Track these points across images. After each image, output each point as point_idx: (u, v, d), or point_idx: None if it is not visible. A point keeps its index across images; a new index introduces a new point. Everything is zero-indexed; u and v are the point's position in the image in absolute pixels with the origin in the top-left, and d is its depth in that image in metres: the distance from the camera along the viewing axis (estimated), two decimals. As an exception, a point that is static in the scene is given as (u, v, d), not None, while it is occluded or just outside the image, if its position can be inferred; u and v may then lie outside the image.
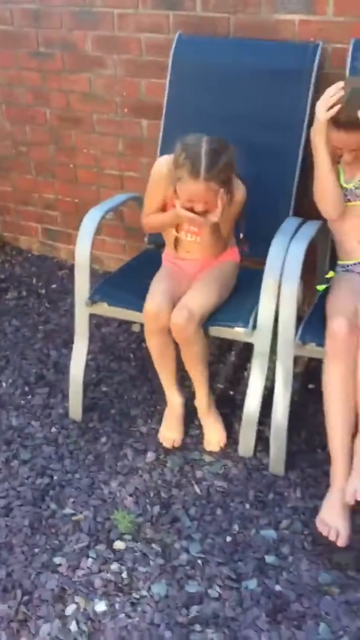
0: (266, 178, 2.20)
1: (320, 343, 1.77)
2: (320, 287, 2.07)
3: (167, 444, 2.03)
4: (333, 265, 2.11)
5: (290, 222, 2.03)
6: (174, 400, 2.06)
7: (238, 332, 1.89)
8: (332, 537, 1.61)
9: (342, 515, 1.63)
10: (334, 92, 1.77)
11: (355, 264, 1.95)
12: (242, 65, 2.25)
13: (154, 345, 1.96)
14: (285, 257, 1.82)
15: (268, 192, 2.20)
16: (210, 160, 1.75)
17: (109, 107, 2.69)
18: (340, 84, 1.77)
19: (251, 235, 2.08)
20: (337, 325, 1.69)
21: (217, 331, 1.92)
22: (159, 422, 2.12)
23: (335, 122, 1.77)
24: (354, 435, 1.70)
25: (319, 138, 1.83)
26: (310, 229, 1.96)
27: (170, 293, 1.90)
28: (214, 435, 2.02)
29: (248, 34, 2.30)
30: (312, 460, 1.96)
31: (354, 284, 1.88)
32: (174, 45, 2.34)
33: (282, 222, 2.14)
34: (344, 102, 1.74)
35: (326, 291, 1.98)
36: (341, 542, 1.61)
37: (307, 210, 2.20)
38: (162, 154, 2.30)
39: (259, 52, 2.25)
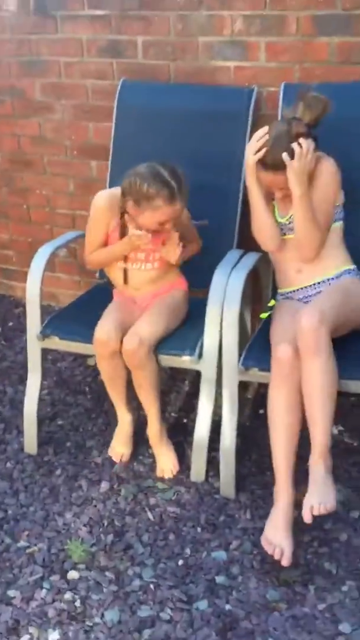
0: (211, 214, 2.30)
1: (263, 368, 1.85)
2: (263, 315, 2.17)
3: (116, 458, 2.12)
4: (275, 294, 2.21)
5: (232, 254, 2.14)
6: (124, 417, 2.13)
7: (185, 360, 1.96)
8: (276, 556, 1.66)
9: (286, 533, 1.69)
10: (260, 136, 1.90)
11: (294, 291, 2.05)
12: (183, 108, 2.38)
13: (105, 369, 2.03)
14: (226, 287, 1.91)
15: (213, 227, 2.31)
16: (178, 182, 1.89)
17: (59, 149, 2.79)
18: (266, 128, 1.90)
19: (197, 266, 2.17)
20: (281, 351, 1.77)
21: (166, 360, 1.99)
22: (114, 452, 2.17)
23: (263, 164, 1.89)
24: (297, 456, 1.77)
25: (250, 179, 1.95)
26: (249, 259, 2.07)
27: (120, 321, 1.97)
28: (165, 462, 2.07)
29: (187, 79, 2.43)
30: (261, 482, 2.02)
31: (295, 308, 1.97)
32: (118, 91, 2.46)
33: (225, 253, 2.27)
34: (269, 145, 1.86)
35: (269, 319, 2.08)
36: (285, 561, 1.66)
37: (249, 243, 2.32)
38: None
39: (199, 96, 2.39)
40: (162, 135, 2.38)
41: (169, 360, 1.99)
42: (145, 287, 2.11)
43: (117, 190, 2.01)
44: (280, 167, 1.85)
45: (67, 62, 2.61)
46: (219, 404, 1.98)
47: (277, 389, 1.77)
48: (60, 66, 2.63)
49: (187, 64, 2.42)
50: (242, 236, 2.33)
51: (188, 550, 1.79)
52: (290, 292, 2.06)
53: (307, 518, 1.65)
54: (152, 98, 2.44)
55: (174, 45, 2.41)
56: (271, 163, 1.87)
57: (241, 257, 2.11)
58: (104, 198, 2.06)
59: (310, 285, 2.00)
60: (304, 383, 1.75)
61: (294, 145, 1.84)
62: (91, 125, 2.68)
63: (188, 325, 2.08)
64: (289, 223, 1.98)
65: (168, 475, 2.06)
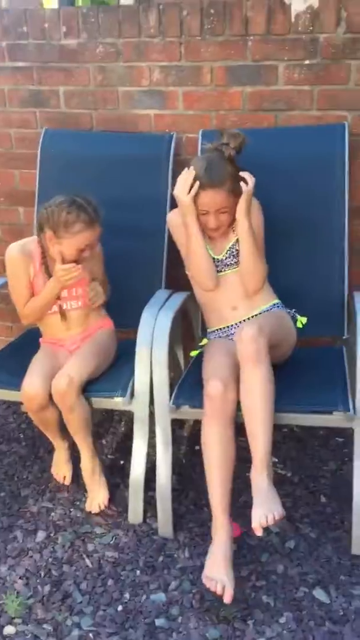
0: (137, 254, 2.37)
1: (194, 405, 1.88)
2: (194, 353, 2.21)
3: (59, 478, 2.21)
4: (205, 332, 2.27)
5: (160, 294, 2.19)
6: (60, 445, 2.18)
7: (117, 402, 1.97)
8: (219, 591, 1.67)
9: (226, 569, 1.70)
10: (185, 177, 1.97)
11: (229, 326, 2.10)
12: (106, 154, 2.44)
13: (37, 419, 2.03)
14: (154, 327, 1.95)
15: (140, 268, 2.37)
16: (93, 206, 2.00)
17: (-15, 196, 2.79)
18: (186, 169, 1.99)
19: (127, 307, 2.20)
20: (212, 387, 1.81)
21: (98, 402, 2.00)
22: (50, 499, 2.14)
23: (201, 186, 1.95)
24: (231, 491, 1.79)
25: (190, 217, 2.00)
26: (177, 299, 2.11)
27: (46, 372, 1.97)
28: (95, 497, 2.08)
29: (109, 127, 2.51)
30: (199, 519, 2.03)
31: (226, 346, 2.02)
32: (41, 139, 2.50)
33: (153, 293, 2.31)
34: (202, 171, 1.94)
35: (200, 356, 2.12)
36: (227, 597, 1.66)
37: (177, 281, 2.38)
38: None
39: (120, 143, 2.46)
40: (86, 180, 2.43)
41: (100, 402, 2.00)
42: (75, 328, 2.13)
43: (27, 239, 2.11)
44: (219, 183, 1.94)
45: (-10, 111, 2.64)
46: (154, 443, 1.99)
47: (210, 424, 1.81)
48: (-17, 116, 2.66)
49: (108, 112, 2.50)
50: (169, 276, 2.39)
51: (127, 595, 1.77)
52: (225, 328, 2.11)
53: (258, 532, 1.64)
54: (75, 145, 2.49)
55: (95, 94, 2.48)
56: (209, 180, 1.94)
57: (169, 296, 2.16)
58: (16, 248, 2.10)
59: (246, 320, 2.06)
60: (243, 394, 1.79)
61: (245, 174, 1.95)
62: (17, 173, 2.70)
63: (118, 365, 2.10)
64: (226, 259, 2.06)
65: (95, 509, 2.06)
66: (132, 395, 1.97)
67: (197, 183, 1.95)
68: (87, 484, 2.11)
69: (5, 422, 2.58)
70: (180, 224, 2.07)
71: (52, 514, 2.09)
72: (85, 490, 2.12)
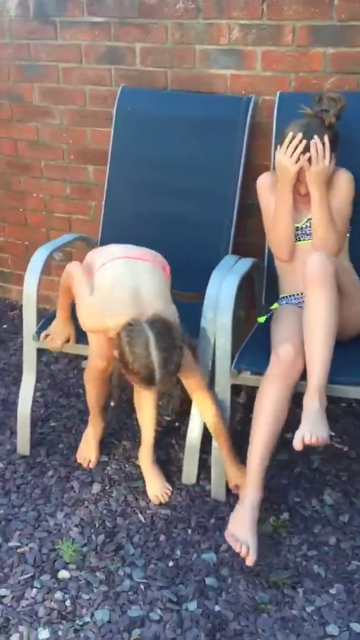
0: (206, 219, 2.35)
1: (256, 371, 1.87)
2: (261, 319, 2.18)
3: (84, 463, 2.14)
4: (270, 299, 2.24)
5: (227, 260, 2.16)
6: (97, 424, 2.14)
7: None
8: (242, 553, 1.66)
9: (251, 530, 1.69)
10: (296, 143, 1.90)
11: (300, 294, 2.06)
12: (181, 115, 2.40)
13: (92, 386, 2.04)
14: (219, 292, 1.93)
15: (208, 233, 2.34)
16: (162, 366, 1.64)
17: (56, 154, 2.81)
18: (291, 134, 1.92)
19: (193, 271, 2.19)
20: (283, 350, 1.78)
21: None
22: (108, 454, 2.18)
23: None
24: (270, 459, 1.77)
25: (289, 186, 1.95)
26: (243, 265, 2.08)
27: None
28: (156, 487, 2.03)
29: (184, 86, 2.46)
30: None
31: (299, 314, 1.97)
32: (117, 97, 2.48)
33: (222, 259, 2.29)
34: (306, 139, 1.89)
35: (266, 323, 2.09)
36: (250, 561, 1.65)
37: (244, 248, 2.35)
38: (108, 196, 2.47)
39: (197, 104, 2.41)
40: (160, 141, 2.41)
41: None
42: None
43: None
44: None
45: (66, 67, 2.64)
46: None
47: (270, 384, 1.79)
48: (59, 71, 2.66)
49: (184, 72, 2.45)
50: (236, 242, 2.36)
51: (178, 552, 1.80)
52: (298, 295, 2.07)
53: (298, 446, 1.61)
54: (151, 105, 2.46)
55: (171, 52, 2.44)
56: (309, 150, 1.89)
57: (236, 262, 2.13)
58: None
59: None
60: (306, 316, 1.77)
61: (312, 147, 1.88)
62: (89, 131, 2.71)
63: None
64: (305, 227, 2.01)
65: (158, 501, 1.98)
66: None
67: (307, 155, 1.90)
68: (143, 470, 2.07)
69: (65, 377, 2.63)
70: (272, 187, 2.03)
71: (107, 467, 2.13)
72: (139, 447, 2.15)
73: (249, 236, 2.45)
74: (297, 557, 1.78)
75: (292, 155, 1.91)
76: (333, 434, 2.27)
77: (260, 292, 2.32)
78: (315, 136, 1.90)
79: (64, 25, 2.58)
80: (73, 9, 2.54)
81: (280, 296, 2.16)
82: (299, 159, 1.90)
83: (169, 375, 1.67)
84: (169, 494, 2.01)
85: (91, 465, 2.13)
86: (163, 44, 2.45)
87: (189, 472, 2.05)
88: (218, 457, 1.96)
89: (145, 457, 2.08)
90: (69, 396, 2.52)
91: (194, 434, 2.02)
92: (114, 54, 2.53)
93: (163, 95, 2.49)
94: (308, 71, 2.29)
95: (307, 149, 1.90)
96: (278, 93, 2.28)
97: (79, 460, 2.15)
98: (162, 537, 1.85)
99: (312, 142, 1.89)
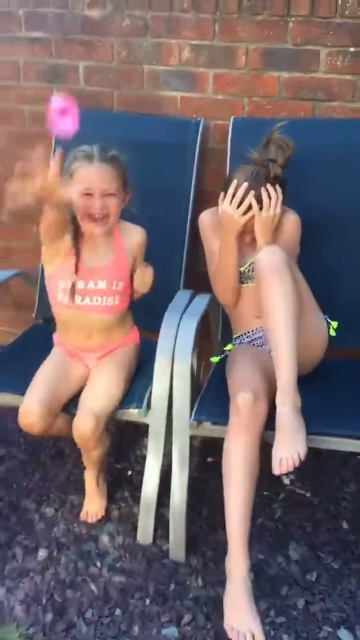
0: (155, 249, 2.17)
1: (216, 421, 1.72)
2: (214, 359, 2.05)
3: (92, 519, 1.96)
4: (226, 337, 2.10)
5: (181, 297, 2.01)
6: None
7: (132, 413, 1.81)
8: None
9: (250, 613, 1.53)
10: (241, 193, 1.78)
11: (252, 331, 1.94)
12: (127, 138, 2.22)
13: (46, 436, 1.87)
14: (176, 335, 1.78)
15: (157, 263, 2.16)
16: (99, 148, 1.77)
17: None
18: (239, 184, 1.79)
19: (143, 306, 2.03)
20: (241, 399, 1.63)
21: (117, 414, 1.83)
22: (54, 510, 1.98)
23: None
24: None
25: (233, 238, 1.84)
26: (200, 303, 1.94)
27: (50, 394, 1.75)
28: (92, 505, 1.94)
29: (132, 108, 2.31)
30: (213, 541, 1.88)
31: (254, 353, 1.86)
32: (57, 118, 2.30)
33: (172, 293, 2.13)
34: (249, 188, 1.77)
35: (221, 364, 1.96)
36: None
37: (196, 279, 2.21)
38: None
39: (144, 126, 2.27)
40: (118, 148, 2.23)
41: (114, 414, 1.83)
42: (98, 336, 1.88)
43: None
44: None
45: (2, 85, 2.44)
46: (165, 451, 1.83)
47: (235, 439, 1.64)
48: (-6, 89, 2.45)
49: (131, 93, 2.30)
50: (187, 272, 2.21)
51: (136, 628, 1.62)
52: (250, 332, 1.95)
53: (276, 471, 1.56)
54: (95, 126, 2.25)
55: (118, 72, 2.29)
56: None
57: (190, 299, 1.98)
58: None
59: None
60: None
61: (263, 194, 1.78)
62: (27, 153, 2.50)
63: (134, 376, 1.93)
64: (248, 271, 1.89)
65: (91, 519, 1.93)
66: (148, 406, 1.80)
67: (255, 207, 1.78)
68: (87, 488, 1.97)
69: (1, 423, 2.41)
70: (215, 228, 1.90)
71: (54, 528, 1.93)
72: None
73: (201, 265, 2.31)
74: (266, 625, 1.63)
75: (238, 206, 1.79)
76: (293, 477, 2.15)
77: (217, 329, 2.18)
78: (268, 185, 1.78)
79: (1, 41, 2.37)
80: (9, 24, 2.34)
81: (234, 336, 2.03)
82: (246, 211, 1.78)
83: (107, 154, 1.75)
84: (98, 517, 1.94)
85: (99, 516, 1.97)
86: (108, 63, 2.29)
87: (145, 530, 1.87)
88: (177, 515, 1.80)
89: (89, 474, 1.95)
90: (8, 445, 2.30)
91: (149, 488, 1.84)
92: (56, 72, 2.35)
93: (109, 117, 2.32)
94: (262, 96, 2.19)
95: (257, 199, 1.78)
96: (232, 118, 2.16)
97: (82, 519, 1.96)
98: (117, 611, 1.67)
99: (262, 190, 1.78)
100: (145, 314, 1.98)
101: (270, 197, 1.78)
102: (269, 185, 1.78)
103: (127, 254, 1.87)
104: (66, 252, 1.81)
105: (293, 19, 2.06)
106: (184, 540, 1.81)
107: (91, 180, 1.74)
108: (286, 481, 2.13)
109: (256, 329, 1.94)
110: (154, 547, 1.87)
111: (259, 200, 1.78)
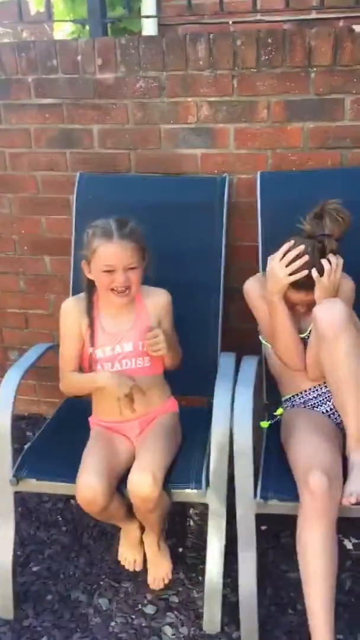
0: (192, 312, 2.09)
1: (285, 498, 1.61)
2: (264, 424, 1.94)
3: (128, 565, 1.91)
4: (273, 395, 2.00)
5: (226, 361, 1.92)
6: (128, 527, 1.89)
7: (191, 494, 1.69)
8: None
9: None
10: (294, 254, 1.71)
11: (304, 392, 1.85)
12: (150, 201, 2.17)
13: (100, 519, 1.75)
14: (232, 405, 1.67)
15: (194, 328, 2.08)
16: (119, 223, 1.75)
17: (7, 245, 2.51)
18: (291, 243, 1.73)
19: (181, 373, 1.93)
20: (315, 480, 1.52)
21: (172, 494, 1.71)
22: (107, 601, 1.84)
23: (295, 284, 1.73)
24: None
25: (278, 297, 1.76)
26: (249, 367, 1.84)
27: (105, 469, 1.67)
28: (158, 570, 1.85)
29: (150, 169, 2.25)
30: (285, 624, 1.75)
31: (311, 419, 1.76)
32: (76, 183, 2.23)
33: (212, 356, 2.05)
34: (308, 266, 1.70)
35: (273, 429, 1.87)
36: None
37: (230, 335, 2.14)
38: (74, 288, 2.16)
39: (166, 187, 2.20)
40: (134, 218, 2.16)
41: (173, 495, 1.71)
42: (138, 401, 1.79)
43: (81, 294, 1.85)
44: (312, 285, 1.72)
45: (13, 152, 2.37)
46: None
47: (312, 530, 1.52)
48: (6, 157, 2.38)
49: (149, 153, 2.24)
50: (225, 335, 2.12)
51: None
52: (300, 393, 1.86)
53: (346, 501, 1.53)
54: (114, 191, 2.22)
55: (134, 133, 2.23)
56: (306, 284, 1.72)
57: (236, 362, 1.89)
58: (71, 302, 1.87)
59: (323, 383, 1.81)
60: (328, 371, 1.65)
61: (324, 261, 1.70)
62: (43, 219, 2.43)
63: (184, 446, 1.82)
64: (307, 338, 1.81)
65: (159, 585, 1.85)
66: (207, 484, 1.69)
67: (304, 272, 1.71)
68: (148, 555, 1.87)
69: (39, 501, 2.27)
70: (263, 295, 1.82)
71: (111, 622, 1.79)
72: (146, 591, 1.83)
73: (234, 320, 2.24)
74: None
75: (287, 265, 1.72)
76: (357, 541, 2.03)
77: (261, 388, 2.07)
78: (331, 255, 1.71)
79: (9, 108, 2.31)
80: (18, 92, 2.29)
81: (283, 398, 1.93)
82: (293, 272, 1.71)
83: (125, 230, 1.73)
84: (166, 582, 1.88)
85: (137, 567, 1.92)
86: (124, 125, 2.24)
87: (212, 619, 1.74)
88: (248, 604, 1.67)
89: (149, 540, 1.85)
90: (47, 527, 2.16)
91: (213, 573, 1.72)
92: (68, 137, 2.29)
93: (127, 180, 2.26)
94: (286, 147, 2.13)
95: (308, 266, 1.70)
96: (259, 173, 2.10)
97: (122, 562, 1.92)
98: None
99: (324, 261, 1.70)
100: (185, 380, 1.90)
101: (330, 263, 1.70)
102: (331, 256, 1.71)
103: (151, 315, 1.83)
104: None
105: (315, 69, 2.02)
106: (256, 627, 1.68)
107: (113, 258, 1.72)
108: (349, 546, 2.01)
109: (309, 389, 1.85)
110: (223, 635, 1.73)
111: (320, 270, 1.70)
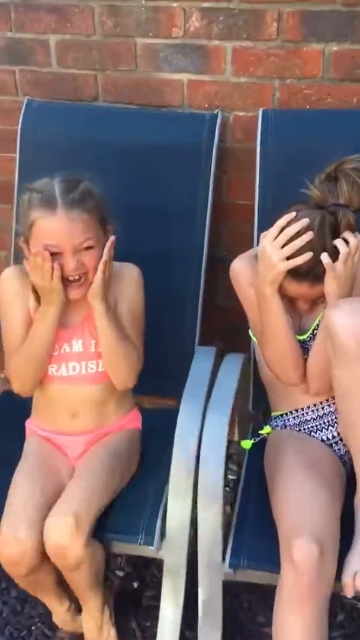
0: (164, 289, 1.62)
1: (264, 567, 1.19)
2: (246, 444, 1.50)
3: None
4: (259, 404, 1.57)
5: (201, 360, 1.48)
6: (58, 608, 1.43)
7: (140, 548, 1.27)
8: None
9: None
10: (293, 231, 1.22)
11: (300, 410, 1.41)
12: (119, 140, 1.67)
13: (22, 582, 1.31)
14: (201, 433, 1.23)
15: (167, 308, 1.63)
16: (66, 186, 1.28)
17: None
18: (292, 215, 1.25)
19: (152, 369, 1.47)
20: (301, 552, 1.11)
21: (114, 545, 1.29)
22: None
23: (295, 272, 1.24)
24: None
25: (271, 290, 1.28)
26: (231, 376, 1.39)
27: (40, 513, 1.24)
28: None
29: (121, 97, 1.73)
30: None
31: (307, 451, 1.33)
32: (22, 113, 1.72)
33: (188, 347, 1.63)
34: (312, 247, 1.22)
35: (258, 448, 1.44)
36: None
37: (214, 314, 1.71)
38: (17, 247, 1.66)
39: (141, 123, 1.69)
40: (89, 176, 1.66)
41: (117, 547, 1.30)
42: (85, 415, 1.39)
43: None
44: (321, 277, 1.23)
45: None
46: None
47: (292, 612, 1.11)
48: None
49: (121, 76, 1.72)
50: (204, 306, 1.67)
51: None
52: (295, 411, 1.42)
53: (349, 590, 1.14)
54: (73, 124, 1.71)
55: (102, 48, 1.70)
56: (311, 272, 1.24)
57: (215, 361, 1.47)
58: (13, 271, 1.40)
59: (325, 401, 1.38)
60: (340, 400, 1.25)
61: (338, 241, 1.22)
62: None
63: (138, 477, 1.39)
64: (310, 340, 1.35)
65: None
66: (162, 536, 1.26)
67: (305, 256, 1.22)
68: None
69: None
70: (252, 281, 1.34)
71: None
72: None
73: (220, 299, 1.78)
74: None
75: (284, 245, 1.23)
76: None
77: (247, 392, 1.62)
78: (347, 233, 1.22)
79: None
80: None
81: (273, 414, 1.49)
82: (295, 254, 1.22)
83: (77, 205, 1.26)
84: None
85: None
86: (89, 37, 1.70)
87: None
88: None
89: (90, 626, 1.40)
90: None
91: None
92: (17, 50, 1.76)
93: (90, 111, 1.74)
94: (300, 77, 1.62)
95: (314, 249, 1.22)
96: (261, 110, 1.59)
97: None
98: None
99: (338, 241, 1.22)
100: (154, 376, 1.46)
101: (348, 243, 1.22)
102: (346, 232, 1.22)
103: (110, 301, 1.35)
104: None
105: (345, -32, 1.48)
106: None
107: (57, 235, 1.25)
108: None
109: (308, 407, 1.40)
110: None
111: (333, 253, 1.22)
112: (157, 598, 1.53)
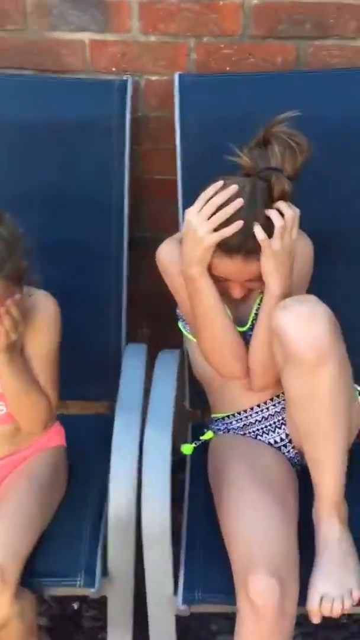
0: (82, 282, 1.45)
1: (221, 599, 1.07)
2: (187, 449, 1.37)
3: None
4: (196, 402, 1.46)
5: (133, 362, 1.35)
6: None
7: (78, 590, 1.12)
8: None
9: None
10: (220, 200, 1.08)
11: (244, 412, 1.28)
12: (10, 114, 1.43)
13: None
14: (140, 458, 1.09)
15: (88, 303, 1.46)
16: None
17: None
18: (220, 184, 1.10)
19: (78, 371, 1.37)
20: (258, 589, 1.00)
21: (47, 590, 1.14)
22: None
23: (226, 245, 1.09)
24: None
25: (200, 270, 1.13)
26: (166, 373, 1.26)
27: None
28: None
29: (10, 62, 1.49)
30: None
31: (255, 460, 1.22)
32: None
33: (114, 344, 1.47)
34: (241, 216, 1.08)
35: (200, 453, 1.32)
36: None
37: (139, 300, 1.56)
38: None
39: (37, 93, 1.46)
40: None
41: (52, 590, 1.15)
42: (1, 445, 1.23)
43: None
44: (256, 250, 1.09)
45: None
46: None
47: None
48: None
49: (7, 36, 1.48)
50: (129, 293, 1.51)
51: None
52: (238, 414, 1.29)
53: (315, 617, 1.05)
54: None
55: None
56: (243, 246, 1.09)
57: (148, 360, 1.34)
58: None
59: (269, 401, 1.26)
60: (298, 404, 1.12)
61: (271, 212, 1.08)
62: None
63: (70, 505, 1.23)
64: (251, 330, 1.22)
65: None
66: (104, 573, 1.12)
67: (233, 226, 1.07)
68: None
69: None
70: (179, 264, 1.19)
71: None
72: None
73: (142, 282, 1.62)
74: None
75: (211, 216, 1.09)
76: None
77: (183, 389, 1.49)
78: (281, 203, 1.09)
79: None
80: None
81: (214, 415, 1.36)
82: (219, 228, 1.09)
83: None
84: None
85: None
86: (-34, -11, 1.45)
87: None
88: None
89: None
90: None
91: None
92: None
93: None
94: (217, 34, 1.45)
95: (246, 219, 1.08)
96: (177, 75, 1.41)
97: None
98: None
99: (272, 213, 1.08)
100: (80, 380, 1.38)
101: (283, 215, 1.09)
102: (280, 203, 1.08)
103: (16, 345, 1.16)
104: None
105: None
106: None
107: None
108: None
109: (251, 409, 1.28)
110: None
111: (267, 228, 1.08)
112: (99, 618, 1.42)
